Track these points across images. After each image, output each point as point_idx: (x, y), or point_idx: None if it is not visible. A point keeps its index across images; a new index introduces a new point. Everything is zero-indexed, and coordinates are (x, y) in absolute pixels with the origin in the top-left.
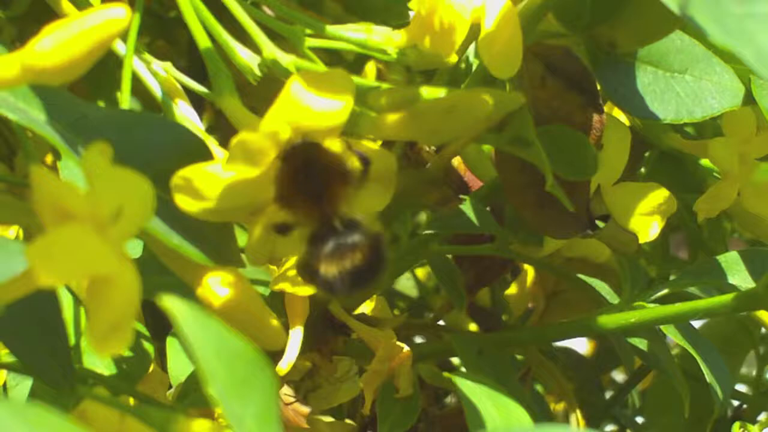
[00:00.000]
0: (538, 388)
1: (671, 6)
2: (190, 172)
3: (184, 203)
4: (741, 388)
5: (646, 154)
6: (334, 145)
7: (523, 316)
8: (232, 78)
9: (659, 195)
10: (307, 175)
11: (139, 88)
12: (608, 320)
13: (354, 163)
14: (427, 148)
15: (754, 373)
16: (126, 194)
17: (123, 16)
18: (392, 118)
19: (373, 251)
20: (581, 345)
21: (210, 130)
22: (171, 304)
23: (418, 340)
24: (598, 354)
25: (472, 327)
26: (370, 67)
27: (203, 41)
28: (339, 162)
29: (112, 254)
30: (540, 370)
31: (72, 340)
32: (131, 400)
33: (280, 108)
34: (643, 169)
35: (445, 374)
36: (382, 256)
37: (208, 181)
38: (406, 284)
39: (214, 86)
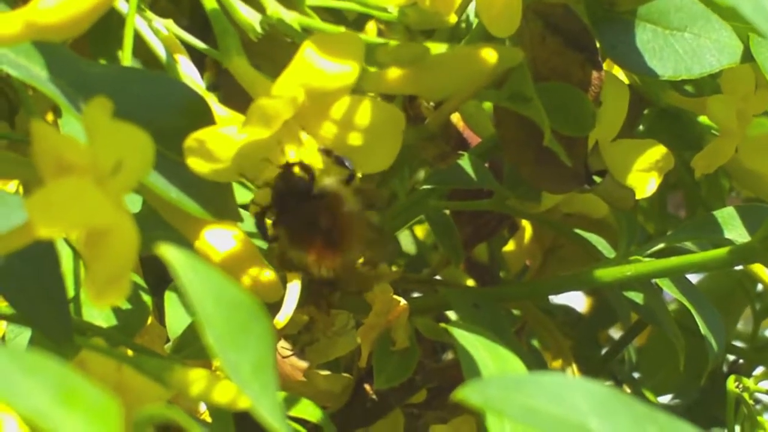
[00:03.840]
0: (536, 344)
1: None
2: (203, 135)
3: (197, 165)
4: (738, 344)
5: (645, 112)
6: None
7: (520, 273)
8: (238, 38)
9: (657, 151)
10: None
11: (141, 48)
12: (604, 273)
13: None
14: (426, 104)
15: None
16: (126, 148)
17: None
18: (394, 73)
19: None
20: (580, 303)
21: (211, 87)
22: (169, 253)
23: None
24: (596, 311)
25: (470, 283)
26: (371, 27)
27: (209, 2)
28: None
29: (110, 206)
30: (537, 326)
31: (71, 293)
32: (129, 352)
33: (294, 71)
34: (641, 127)
35: (442, 325)
36: None
37: (222, 143)
38: (405, 241)
39: (221, 46)
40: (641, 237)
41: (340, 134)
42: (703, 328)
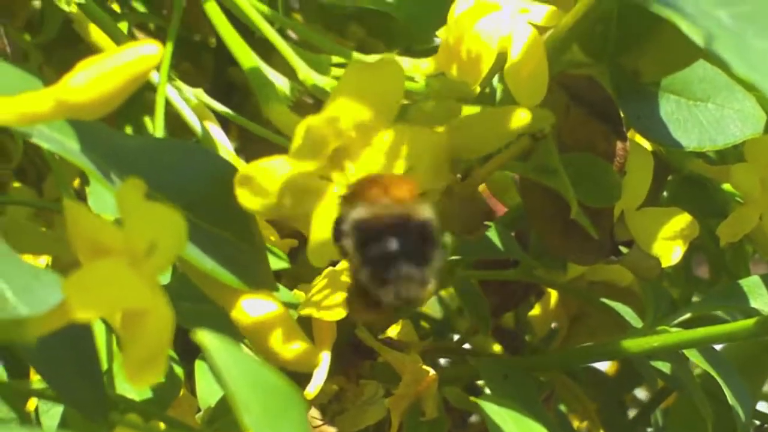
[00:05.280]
0: (562, 407)
1: (697, 40)
2: (251, 169)
3: (247, 200)
4: (762, 406)
5: (669, 179)
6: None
7: (546, 337)
8: (276, 88)
9: (682, 219)
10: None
11: (165, 112)
12: (632, 344)
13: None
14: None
15: None
16: (159, 229)
17: (155, 53)
18: None
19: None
20: (604, 364)
21: (236, 152)
22: (206, 339)
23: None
24: (621, 373)
25: (496, 348)
26: None
27: (247, 61)
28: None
29: (146, 288)
30: (563, 391)
31: (104, 366)
32: (161, 425)
33: (337, 98)
34: (665, 194)
35: (473, 399)
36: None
37: (269, 177)
38: (430, 304)
39: (260, 97)
40: (667, 304)
41: (387, 163)
42: (730, 399)
